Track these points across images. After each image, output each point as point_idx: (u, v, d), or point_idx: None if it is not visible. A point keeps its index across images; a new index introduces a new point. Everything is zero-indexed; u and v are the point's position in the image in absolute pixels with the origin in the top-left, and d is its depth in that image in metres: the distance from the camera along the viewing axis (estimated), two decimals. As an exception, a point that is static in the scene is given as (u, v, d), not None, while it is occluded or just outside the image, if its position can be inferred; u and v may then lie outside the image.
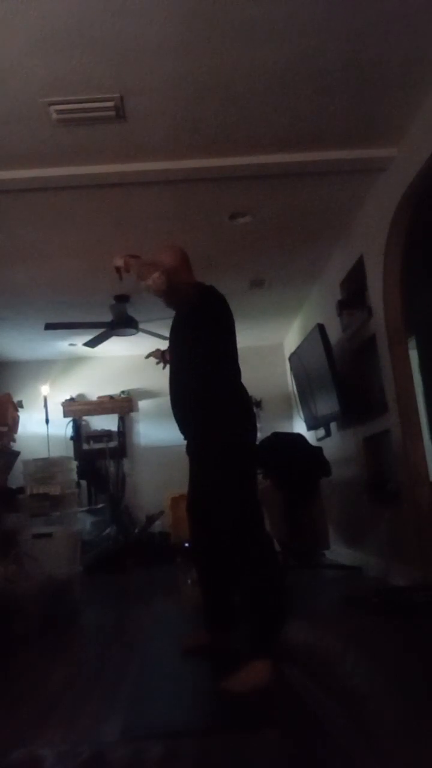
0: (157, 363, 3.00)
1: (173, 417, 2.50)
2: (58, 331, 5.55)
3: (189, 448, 2.52)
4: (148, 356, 3.03)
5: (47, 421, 6.34)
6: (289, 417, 6.61)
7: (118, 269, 2.47)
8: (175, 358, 2.58)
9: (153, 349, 3.05)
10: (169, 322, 2.70)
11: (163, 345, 3.20)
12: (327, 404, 4.72)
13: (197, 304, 2.40)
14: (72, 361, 6.94)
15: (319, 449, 4.91)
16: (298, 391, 5.75)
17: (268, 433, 4.87)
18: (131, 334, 5.36)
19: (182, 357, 2.49)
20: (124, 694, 2.08)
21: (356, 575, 4.23)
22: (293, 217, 3.98)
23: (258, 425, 2.56)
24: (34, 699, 2.10)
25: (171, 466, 6.06)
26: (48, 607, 3.20)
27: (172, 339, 2.63)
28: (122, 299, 5.10)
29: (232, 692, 1.97)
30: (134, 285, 4.68)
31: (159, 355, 2.96)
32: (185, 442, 2.53)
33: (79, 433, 6.76)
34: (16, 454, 4.54)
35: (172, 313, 2.65)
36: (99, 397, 6.88)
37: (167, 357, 2.91)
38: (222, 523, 2.28)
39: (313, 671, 2.15)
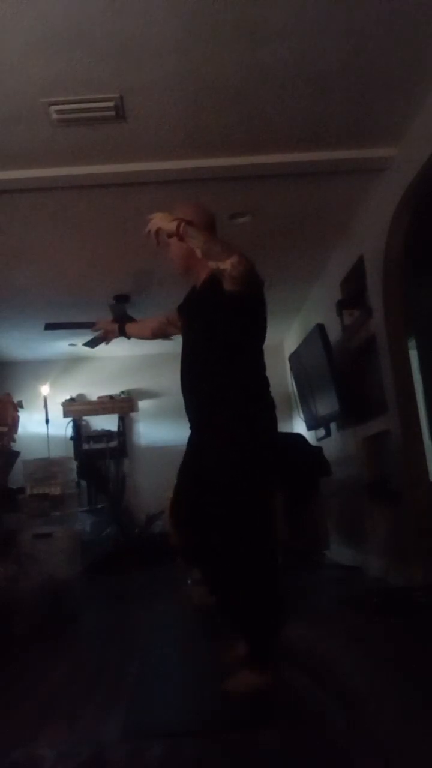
0: (99, 335, 2.74)
1: (184, 408, 2.27)
2: (58, 331, 5.54)
3: (196, 442, 2.26)
4: (94, 328, 2.76)
5: (47, 421, 6.34)
6: (289, 417, 6.60)
7: (157, 233, 2.10)
8: (195, 339, 2.25)
9: (104, 320, 2.77)
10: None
11: (136, 351, 2.98)
12: (327, 404, 4.72)
13: (241, 287, 2.00)
14: (72, 361, 6.93)
15: (319, 449, 4.91)
16: (298, 391, 5.75)
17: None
18: (131, 334, 5.35)
19: (207, 342, 2.18)
20: (124, 694, 2.08)
21: (356, 575, 4.22)
22: (293, 217, 3.98)
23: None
24: (34, 699, 2.10)
25: (171, 466, 6.03)
26: (48, 607, 3.20)
27: (194, 316, 2.28)
28: (122, 299, 5.10)
29: (233, 693, 1.97)
30: (135, 284, 4.65)
31: (113, 329, 2.68)
32: (187, 440, 2.32)
33: (79, 433, 6.75)
34: (16, 454, 4.55)
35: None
36: (99, 397, 6.87)
37: (126, 330, 2.66)
38: (225, 527, 2.08)
39: (313, 671, 2.15)
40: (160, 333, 2.61)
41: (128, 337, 2.70)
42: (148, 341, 5.61)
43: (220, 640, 2.53)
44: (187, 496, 2.26)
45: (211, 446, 2.14)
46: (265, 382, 2.21)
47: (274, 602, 2.13)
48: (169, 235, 2.11)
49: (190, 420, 2.28)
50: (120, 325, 2.67)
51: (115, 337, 2.70)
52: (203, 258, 2.03)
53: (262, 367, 2.21)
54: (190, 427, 2.31)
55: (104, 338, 2.76)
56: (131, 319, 5.14)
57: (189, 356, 2.27)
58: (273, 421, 2.20)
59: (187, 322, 2.35)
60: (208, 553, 2.22)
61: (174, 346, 3.06)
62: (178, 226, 2.04)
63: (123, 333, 2.66)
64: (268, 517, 2.15)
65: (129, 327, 2.71)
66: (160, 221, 2.10)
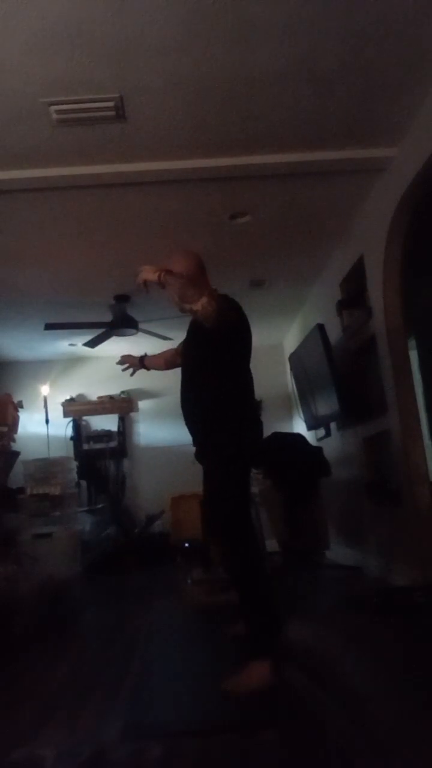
0: (125, 369, 2.99)
1: (183, 421, 2.49)
2: (58, 331, 5.54)
3: (197, 455, 2.52)
4: (119, 362, 3.00)
5: (47, 421, 6.34)
6: (289, 417, 6.61)
7: (146, 283, 2.36)
8: (189, 366, 2.53)
9: (127, 354, 3.03)
10: (170, 323, 2.69)
11: (136, 351, 3.24)
12: (327, 404, 4.72)
13: (212, 324, 2.23)
14: (72, 361, 6.94)
15: (319, 449, 4.91)
16: (298, 391, 5.75)
17: (268, 433, 4.86)
18: (131, 334, 5.36)
19: (197, 369, 2.45)
20: (124, 694, 2.08)
21: (356, 575, 4.23)
22: (293, 217, 3.98)
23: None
24: (34, 699, 2.11)
25: (171, 466, 6.08)
26: (48, 607, 3.20)
27: (189, 345, 2.56)
28: (122, 299, 5.10)
29: (233, 693, 1.97)
30: (134, 286, 4.67)
31: (135, 362, 2.95)
32: (188, 444, 2.52)
33: (79, 433, 6.75)
34: (16, 454, 4.54)
35: (171, 313, 2.63)
36: (99, 397, 6.88)
37: (145, 363, 2.95)
38: (220, 528, 2.34)
39: (313, 671, 2.15)
40: (171, 363, 2.88)
41: (148, 369, 2.99)
42: (144, 342, 5.65)
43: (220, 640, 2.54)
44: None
45: (206, 460, 2.41)
46: (250, 401, 2.44)
47: (268, 597, 2.23)
48: (161, 287, 2.37)
49: (191, 435, 2.50)
50: (140, 358, 2.96)
51: (138, 369, 2.98)
52: (180, 302, 2.29)
53: (248, 388, 2.44)
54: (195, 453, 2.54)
55: (124, 362, 3.01)
56: (131, 319, 5.17)
57: (185, 382, 2.51)
58: (257, 437, 2.44)
59: (183, 352, 2.62)
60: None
61: (173, 345, 3.06)
62: (159, 277, 2.30)
63: (143, 365, 2.97)
64: (248, 521, 2.33)
65: (147, 360, 2.98)
66: (146, 274, 2.35)
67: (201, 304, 2.17)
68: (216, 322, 2.20)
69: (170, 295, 2.41)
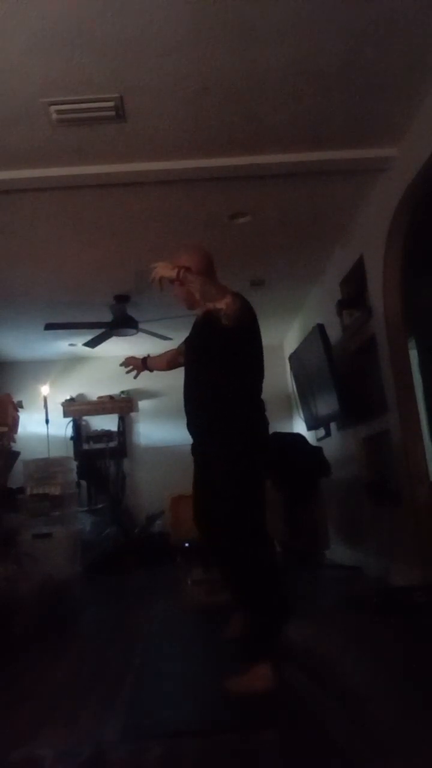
0: (128, 371, 2.97)
1: (184, 415, 2.46)
2: (58, 331, 5.54)
3: (195, 450, 2.48)
4: (122, 364, 2.99)
5: (47, 421, 6.33)
6: (289, 417, 6.61)
7: (161, 280, 2.33)
8: (193, 365, 2.49)
9: (130, 356, 3.01)
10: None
11: (136, 351, 3.21)
12: (327, 404, 4.72)
13: (234, 323, 2.24)
14: (72, 361, 6.94)
15: (319, 449, 4.91)
16: (298, 391, 5.75)
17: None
18: (131, 334, 5.36)
19: (203, 367, 2.41)
20: (124, 694, 2.08)
21: (356, 575, 4.23)
22: (293, 217, 3.98)
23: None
24: (34, 699, 2.10)
25: (171, 466, 6.07)
26: (48, 607, 3.20)
27: (193, 344, 2.54)
28: (122, 299, 5.10)
29: (234, 693, 1.97)
30: (135, 286, 4.67)
31: (139, 364, 2.93)
32: (189, 444, 2.50)
33: (79, 433, 6.75)
34: (16, 454, 4.54)
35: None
36: (99, 397, 6.88)
37: (148, 364, 2.94)
38: (219, 529, 2.29)
39: (313, 671, 2.15)
40: (174, 363, 2.87)
41: (151, 371, 2.98)
42: (144, 342, 5.66)
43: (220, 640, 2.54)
44: (201, 503, 2.49)
45: (206, 456, 2.36)
46: (257, 400, 2.40)
47: (274, 595, 2.21)
48: (171, 281, 2.35)
49: (192, 435, 2.47)
50: (143, 360, 2.95)
51: (142, 371, 2.97)
52: (201, 300, 2.29)
53: (255, 387, 2.40)
54: (192, 446, 2.50)
55: (128, 365, 3.00)
56: (131, 319, 5.17)
57: (189, 381, 2.48)
58: (264, 435, 2.39)
59: (187, 352, 2.58)
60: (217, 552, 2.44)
61: (173, 345, 3.06)
62: (177, 274, 2.29)
63: (146, 367, 2.95)
64: (263, 522, 2.29)
65: (150, 361, 2.96)
66: (162, 270, 2.33)
67: (225, 302, 2.18)
68: (238, 320, 2.22)
69: (185, 292, 2.39)
